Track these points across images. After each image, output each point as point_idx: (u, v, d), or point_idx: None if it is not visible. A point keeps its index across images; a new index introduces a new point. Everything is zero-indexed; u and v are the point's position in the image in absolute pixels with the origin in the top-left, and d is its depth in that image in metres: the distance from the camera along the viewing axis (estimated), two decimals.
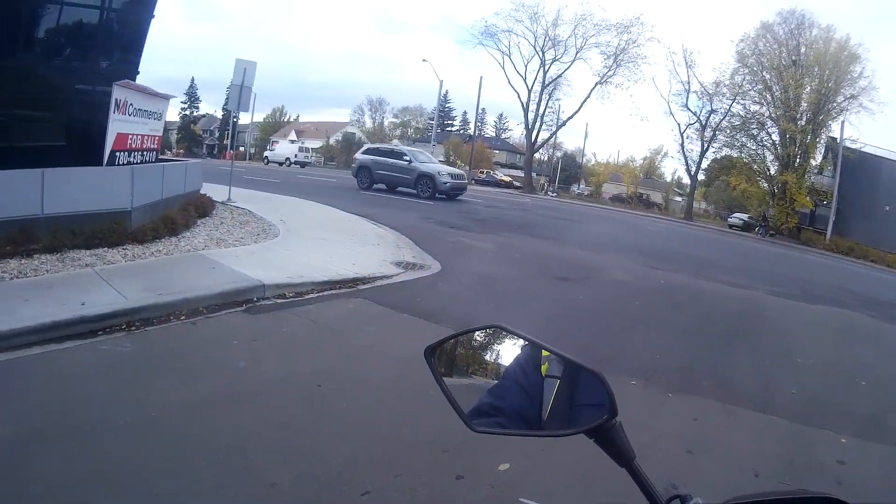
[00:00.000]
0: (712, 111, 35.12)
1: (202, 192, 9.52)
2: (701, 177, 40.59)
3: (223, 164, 19.72)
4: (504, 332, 0.81)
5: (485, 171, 44.86)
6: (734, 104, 34.36)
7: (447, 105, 60.67)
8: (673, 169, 60.86)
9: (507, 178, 44.37)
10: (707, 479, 2.80)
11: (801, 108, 32.06)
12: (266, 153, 38.07)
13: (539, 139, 41.06)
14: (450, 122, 63.83)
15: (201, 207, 8.49)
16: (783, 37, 33.13)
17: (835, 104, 31.51)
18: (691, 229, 24.55)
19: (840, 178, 31.10)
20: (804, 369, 4.92)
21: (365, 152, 19.01)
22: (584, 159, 56.08)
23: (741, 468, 2.92)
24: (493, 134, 63.53)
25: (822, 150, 34.47)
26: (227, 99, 58.30)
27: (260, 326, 4.40)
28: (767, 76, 32.96)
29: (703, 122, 35.56)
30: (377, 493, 2.33)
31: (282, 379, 3.44)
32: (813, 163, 33.68)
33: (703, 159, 37.00)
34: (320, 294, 5.37)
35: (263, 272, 5.43)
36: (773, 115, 33.02)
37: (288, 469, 2.43)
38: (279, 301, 4.98)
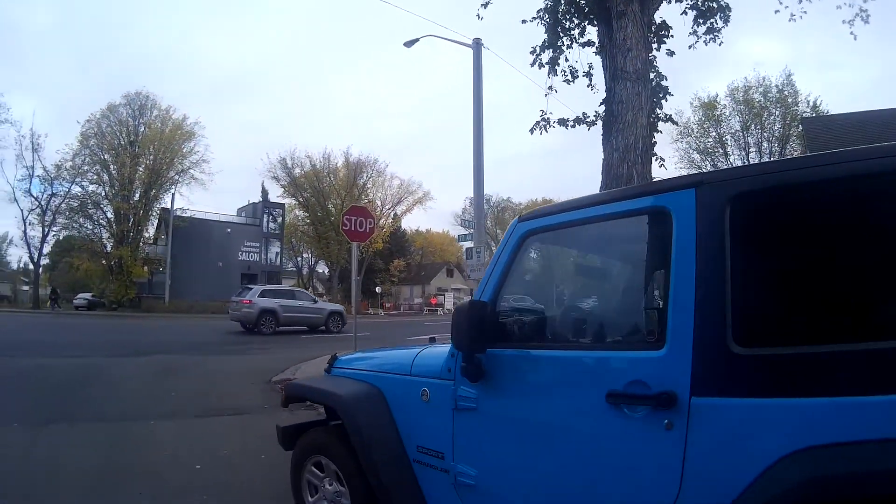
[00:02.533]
0: (53, 194, 34.71)
1: None
2: (46, 261, 39.05)
3: None
4: None
5: None
6: (74, 186, 34.56)
7: None
8: (19, 257, 53.45)
9: None
10: (63, 457, 4.40)
11: (135, 185, 34.66)
12: None
13: None
14: None
15: None
16: (126, 117, 35.14)
17: (167, 178, 35.40)
18: (39, 318, 24.92)
19: (173, 245, 34.83)
20: (129, 395, 7.32)
21: None
22: None
23: (83, 451, 4.64)
24: None
25: (156, 222, 37.98)
26: None
27: None
28: (107, 156, 34.37)
29: (45, 206, 34.62)
30: None
31: None
32: (146, 234, 37.10)
33: (45, 244, 35.87)
34: None
35: None
36: (108, 195, 34.75)
37: None
38: None
